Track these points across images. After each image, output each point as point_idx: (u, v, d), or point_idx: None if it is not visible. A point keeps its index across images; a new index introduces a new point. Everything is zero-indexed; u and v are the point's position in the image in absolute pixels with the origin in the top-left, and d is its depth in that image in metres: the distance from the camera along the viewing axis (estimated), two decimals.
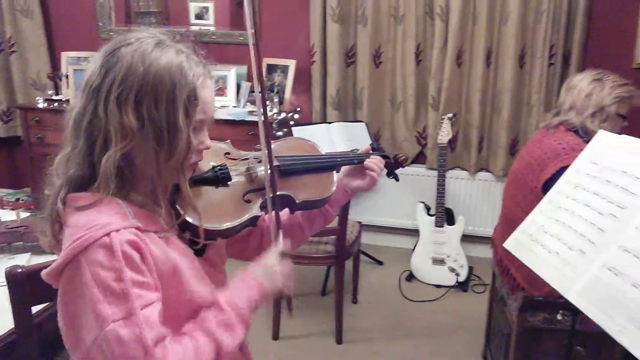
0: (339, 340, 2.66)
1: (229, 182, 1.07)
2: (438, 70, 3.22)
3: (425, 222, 3.24)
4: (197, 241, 0.98)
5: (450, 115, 3.16)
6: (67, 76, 3.65)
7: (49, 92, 3.77)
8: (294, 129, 3.17)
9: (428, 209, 3.29)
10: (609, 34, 3.06)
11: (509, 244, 1.34)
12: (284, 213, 1.27)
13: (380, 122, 3.49)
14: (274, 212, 1.07)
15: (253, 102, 3.45)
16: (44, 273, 0.86)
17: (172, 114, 0.88)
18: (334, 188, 1.20)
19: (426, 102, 3.35)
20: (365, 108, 3.40)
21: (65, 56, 3.78)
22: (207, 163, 1.06)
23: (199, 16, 3.68)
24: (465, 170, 3.41)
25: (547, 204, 1.32)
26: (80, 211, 0.87)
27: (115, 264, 0.82)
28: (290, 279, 1.03)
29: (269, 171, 1.05)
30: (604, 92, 1.99)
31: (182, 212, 0.96)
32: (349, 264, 3.04)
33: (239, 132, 3.20)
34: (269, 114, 3.27)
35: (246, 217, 1.04)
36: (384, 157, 1.36)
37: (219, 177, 1.06)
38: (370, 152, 1.31)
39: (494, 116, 3.27)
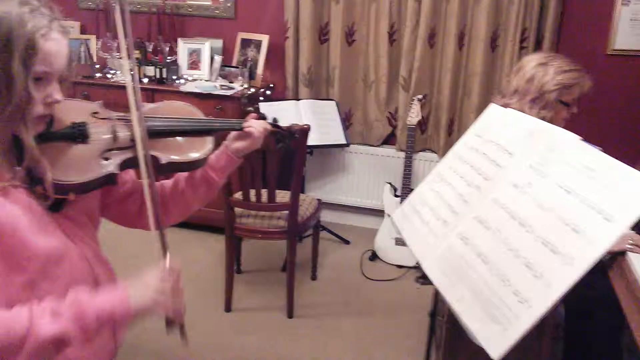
0: (290, 315, 2.69)
1: (88, 140, 1.07)
2: (409, 50, 3.18)
3: (390, 203, 3.23)
4: (49, 196, 0.99)
5: (420, 96, 3.13)
6: None
7: None
8: (261, 104, 3.17)
9: (395, 190, 3.28)
10: (583, 18, 3.00)
11: (397, 217, 1.34)
12: (167, 183, 1.28)
13: (352, 102, 3.47)
14: (148, 183, 1.06)
15: (225, 77, 3.44)
16: None
17: (6, 63, 0.88)
18: (206, 152, 1.20)
19: (397, 82, 3.32)
20: (336, 86, 3.38)
21: None
22: (69, 120, 1.07)
23: None
24: (435, 152, 3.39)
25: (434, 175, 1.32)
26: None
27: None
28: (176, 301, 0.98)
29: (139, 131, 1.05)
30: (547, 77, 1.91)
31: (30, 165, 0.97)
32: (308, 242, 3.06)
33: (207, 105, 3.19)
34: (239, 88, 3.27)
35: (102, 174, 1.05)
36: (277, 126, 1.35)
37: (76, 134, 1.06)
38: (256, 119, 1.31)
39: (464, 99, 3.24)
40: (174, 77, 3.44)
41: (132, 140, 1.10)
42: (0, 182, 0.94)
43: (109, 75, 3.50)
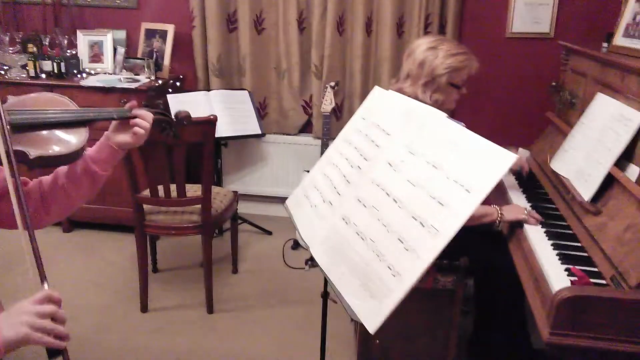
0: (210, 310, 2.62)
1: None
2: (319, 38, 3.18)
3: None
4: None
5: (332, 83, 3.13)
6: None
7: None
8: (169, 96, 3.06)
9: None
10: (483, 3, 3.12)
11: (290, 202, 1.33)
12: (46, 179, 1.19)
13: (266, 91, 3.42)
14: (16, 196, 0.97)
15: (129, 69, 3.29)
16: None
17: None
18: (80, 144, 1.13)
19: (310, 70, 3.31)
20: (248, 76, 3.32)
21: None
22: None
23: None
24: None
25: (324, 158, 1.32)
26: None
27: None
28: (53, 330, 0.90)
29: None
30: (437, 61, 1.95)
31: None
32: (229, 235, 3.00)
33: (111, 99, 3.04)
34: (145, 81, 3.13)
35: None
36: (160, 113, 1.29)
37: None
38: (138, 108, 1.25)
39: (375, 84, 3.27)
40: (75, 72, 3.25)
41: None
42: None
43: (2, 72, 3.25)
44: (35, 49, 3.28)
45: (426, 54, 1.95)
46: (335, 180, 1.18)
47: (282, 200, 3.69)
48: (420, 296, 1.95)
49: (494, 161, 0.90)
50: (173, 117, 1.31)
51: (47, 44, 3.31)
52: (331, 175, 1.22)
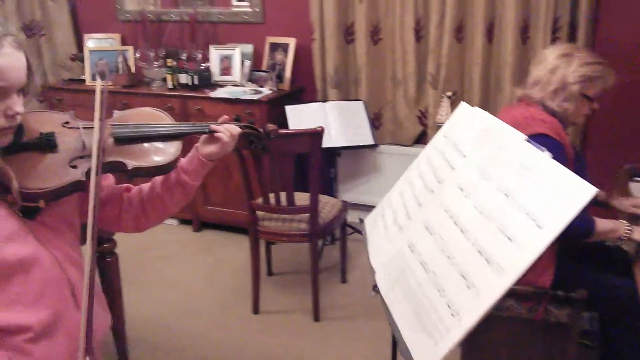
0: (316, 318, 2.68)
1: (56, 149, 1.11)
2: (436, 45, 3.10)
3: None
4: (21, 204, 1.03)
5: (449, 93, 3.04)
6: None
7: (73, 72, 3.99)
8: (287, 107, 3.19)
9: None
10: (621, 7, 2.81)
11: (368, 221, 1.30)
12: (145, 186, 1.30)
13: (381, 101, 3.41)
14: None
15: (254, 81, 3.48)
16: None
17: None
18: (173, 157, 1.21)
19: (426, 79, 3.24)
20: (364, 86, 3.34)
21: (87, 38, 3.98)
22: (39, 130, 1.11)
23: None
24: None
25: (403, 177, 1.27)
26: None
27: None
28: None
29: (97, 139, 1.08)
30: (570, 68, 1.84)
31: None
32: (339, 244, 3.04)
33: (237, 110, 3.24)
34: (268, 92, 3.30)
35: (68, 181, 1.08)
36: (248, 127, 1.35)
37: (43, 143, 1.10)
38: (228, 122, 1.31)
39: (496, 94, 3.12)
40: (207, 84, 3.52)
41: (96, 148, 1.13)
42: None
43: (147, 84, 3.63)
44: (174, 63, 3.60)
45: (559, 61, 1.85)
46: (408, 201, 1.14)
47: None
48: (531, 328, 1.82)
49: (572, 194, 0.81)
50: (261, 130, 1.36)
51: (184, 58, 3.63)
52: (405, 195, 1.18)
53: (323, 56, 3.37)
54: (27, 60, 1.05)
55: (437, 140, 1.23)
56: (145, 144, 1.21)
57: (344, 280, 3.02)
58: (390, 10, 3.21)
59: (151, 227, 1.33)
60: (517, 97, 1.99)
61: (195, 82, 3.49)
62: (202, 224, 3.69)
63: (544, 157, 0.90)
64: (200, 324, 2.68)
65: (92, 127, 1.16)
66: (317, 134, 2.34)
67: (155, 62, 3.71)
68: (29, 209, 1.06)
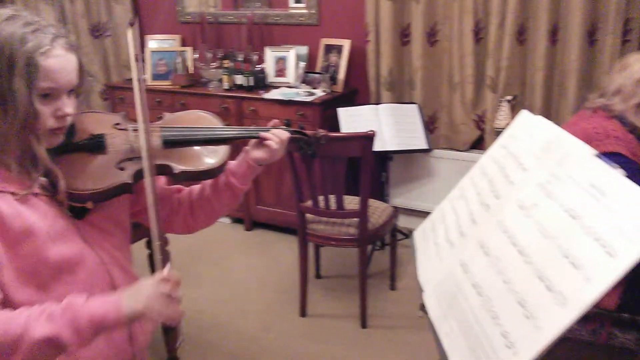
0: (364, 325, 2.64)
1: (106, 150, 1.12)
2: (496, 48, 2.98)
3: None
4: (70, 204, 1.05)
5: (509, 97, 2.92)
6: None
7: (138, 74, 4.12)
8: (339, 110, 3.16)
9: None
10: None
11: (418, 234, 1.24)
12: (195, 188, 1.31)
13: (436, 105, 3.33)
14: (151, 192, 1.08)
15: (308, 83, 3.48)
16: None
17: (10, 81, 0.95)
18: (221, 161, 1.20)
19: (485, 83, 3.13)
20: (419, 89, 3.27)
21: (149, 39, 4.10)
22: (90, 131, 1.13)
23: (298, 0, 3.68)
24: None
25: (457, 189, 1.20)
26: None
27: None
28: (170, 307, 0.99)
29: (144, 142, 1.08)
30: None
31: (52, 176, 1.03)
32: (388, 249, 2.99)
33: (289, 111, 3.25)
34: (321, 94, 3.28)
35: (115, 183, 1.09)
36: (298, 132, 1.32)
37: (93, 145, 1.11)
38: (278, 127, 1.29)
39: (560, 99, 2.97)
40: (261, 85, 3.54)
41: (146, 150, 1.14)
42: (21, 190, 1.01)
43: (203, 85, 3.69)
44: (230, 65, 3.65)
45: None
46: (461, 217, 1.08)
47: None
48: (593, 351, 1.70)
49: None
50: (311, 136, 1.34)
51: (240, 59, 3.68)
52: (459, 210, 1.11)
53: (377, 58, 3.33)
54: (79, 62, 1.06)
55: (494, 150, 1.15)
56: (194, 148, 1.20)
57: (392, 287, 2.97)
58: (449, 11, 3.12)
59: (200, 229, 1.34)
60: (592, 106, 1.80)
61: (251, 83, 3.53)
62: (253, 224, 3.73)
63: (618, 176, 0.81)
64: (250, 325, 2.70)
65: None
66: (368, 138, 2.30)
67: (212, 63, 3.77)
68: (78, 209, 1.08)
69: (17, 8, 1.03)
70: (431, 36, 3.19)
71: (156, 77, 3.76)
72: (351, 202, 2.64)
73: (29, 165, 1.04)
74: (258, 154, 1.25)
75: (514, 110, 2.95)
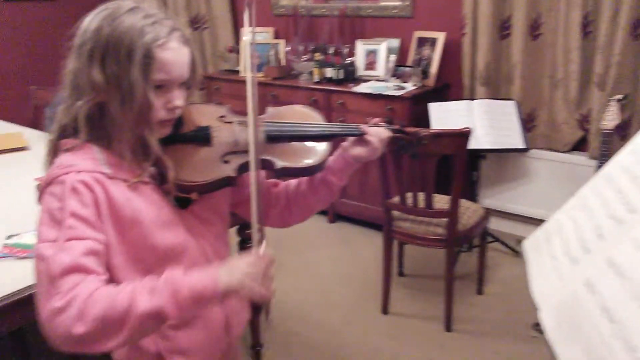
0: (448, 328, 2.56)
1: (212, 142, 1.14)
2: (607, 43, 2.75)
3: None
4: (176, 194, 1.07)
5: (619, 96, 2.69)
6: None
7: (230, 63, 4.25)
8: (430, 105, 3.07)
9: None
10: None
11: (528, 244, 1.14)
12: (292, 183, 1.30)
13: (535, 102, 3.14)
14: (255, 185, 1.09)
15: (399, 76, 3.41)
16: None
17: (129, 72, 0.98)
18: (322, 158, 1.18)
19: (591, 80, 2.91)
20: (517, 85, 3.10)
21: (244, 31, 4.19)
22: (197, 124, 1.15)
23: None
24: None
25: (576, 199, 1.08)
26: (64, 153, 1.04)
27: (63, 196, 0.96)
28: (264, 284, 0.99)
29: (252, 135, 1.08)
30: None
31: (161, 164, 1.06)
32: (478, 252, 2.87)
33: (378, 105, 3.21)
34: (411, 88, 3.21)
35: (220, 176, 1.10)
36: (399, 131, 1.27)
37: (199, 136, 1.13)
38: (379, 124, 1.25)
39: None
40: (351, 78, 3.52)
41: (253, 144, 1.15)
42: (131, 178, 1.05)
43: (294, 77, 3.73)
44: (321, 57, 3.66)
45: None
46: (585, 231, 0.97)
47: (541, 222, 3.35)
48: None
49: None
50: (413, 136, 1.29)
51: (331, 52, 3.67)
52: (581, 223, 1.00)
53: (473, 52, 3.19)
54: (192, 56, 1.08)
55: (623, 158, 1.03)
56: (296, 143, 1.20)
57: (480, 291, 2.85)
58: (554, 3, 2.92)
59: (295, 224, 1.33)
60: None
61: (340, 76, 3.52)
62: (337, 216, 3.73)
63: None
64: (333, 318, 2.71)
65: (246, 122, 1.18)
66: (464, 135, 2.20)
67: (303, 56, 3.80)
68: (182, 199, 1.11)
69: (137, 0, 1.06)
70: (534, 29, 3.01)
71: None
72: (440, 201, 2.56)
73: (141, 154, 1.07)
74: (357, 151, 1.22)
75: (624, 110, 2.72)
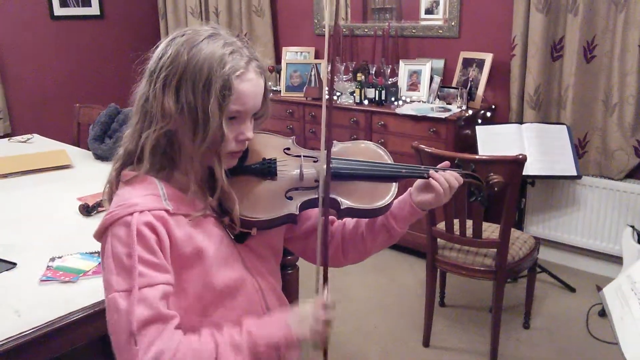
0: None
1: (276, 177, 1.08)
2: None
3: (631, 250, 2.68)
4: (235, 228, 1.02)
5: None
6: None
7: (269, 84, 4.23)
8: (478, 127, 2.97)
9: (638, 235, 2.72)
10: None
11: (608, 292, 1.03)
12: (349, 222, 1.21)
13: (588, 127, 3.00)
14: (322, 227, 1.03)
15: (443, 98, 3.31)
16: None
17: (205, 102, 0.93)
18: (389, 200, 1.10)
19: None
20: (569, 109, 2.96)
21: (286, 51, 4.18)
22: (261, 155, 1.09)
23: (428, 11, 3.56)
24: None
25: None
26: (124, 185, 1.00)
27: (129, 241, 0.91)
28: (325, 331, 0.99)
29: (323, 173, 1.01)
30: None
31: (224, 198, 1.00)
32: (524, 283, 2.73)
33: (421, 128, 3.12)
34: (456, 110, 3.11)
35: (282, 213, 1.04)
36: (470, 176, 1.18)
37: (265, 170, 1.07)
38: (448, 168, 1.16)
39: None
40: (393, 99, 3.44)
41: (316, 180, 1.09)
42: (194, 211, 0.99)
43: (335, 97, 3.68)
44: (362, 78, 3.60)
45: None
46: None
47: (592, 254, 3.20)
48: None
49: None
50: (485, 181, 1.19)
51: (373, 73, 3.61)
52: None
53: (523, 74, 3.08)
54: (265, 86, 1.03)
55: None
56: (362, 183, 1.12)
57: (526, 325, 2.70)
58: (611, 24, 2.79)
59: (348, 265, 1.26)
60: None
61: (382, 97, 3.44)
62: None
63: None
64: (370, 347, 2.60)
65: (312, 157, 1.12)
66: (518, 163, 2.09)
67: (344, 76, 3.75)
68: (241, 234, 1.05)
69: (214, 26, 1.01)
70: (588, 51, 2.88)
71: (289, 88, 3.81)
72: (487, 230, 2.44)
73: (206, 186, 1.02)
74: (423, 197, 1.14)
75: None
